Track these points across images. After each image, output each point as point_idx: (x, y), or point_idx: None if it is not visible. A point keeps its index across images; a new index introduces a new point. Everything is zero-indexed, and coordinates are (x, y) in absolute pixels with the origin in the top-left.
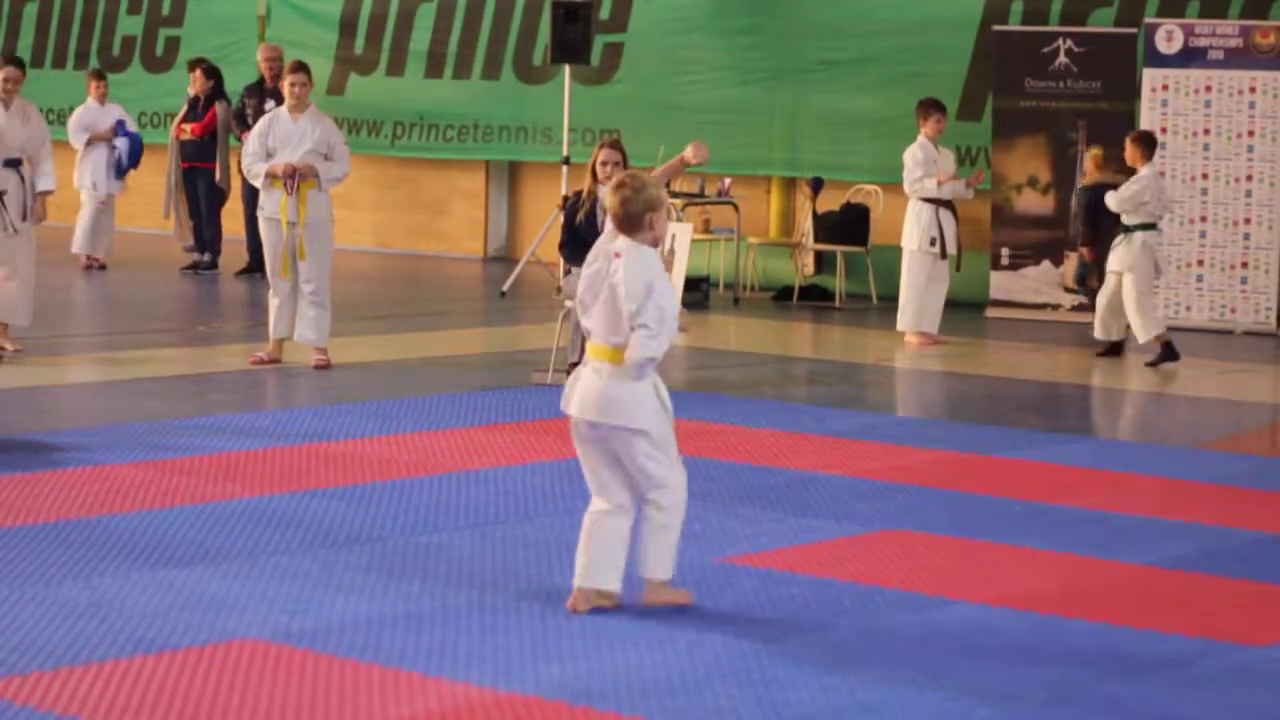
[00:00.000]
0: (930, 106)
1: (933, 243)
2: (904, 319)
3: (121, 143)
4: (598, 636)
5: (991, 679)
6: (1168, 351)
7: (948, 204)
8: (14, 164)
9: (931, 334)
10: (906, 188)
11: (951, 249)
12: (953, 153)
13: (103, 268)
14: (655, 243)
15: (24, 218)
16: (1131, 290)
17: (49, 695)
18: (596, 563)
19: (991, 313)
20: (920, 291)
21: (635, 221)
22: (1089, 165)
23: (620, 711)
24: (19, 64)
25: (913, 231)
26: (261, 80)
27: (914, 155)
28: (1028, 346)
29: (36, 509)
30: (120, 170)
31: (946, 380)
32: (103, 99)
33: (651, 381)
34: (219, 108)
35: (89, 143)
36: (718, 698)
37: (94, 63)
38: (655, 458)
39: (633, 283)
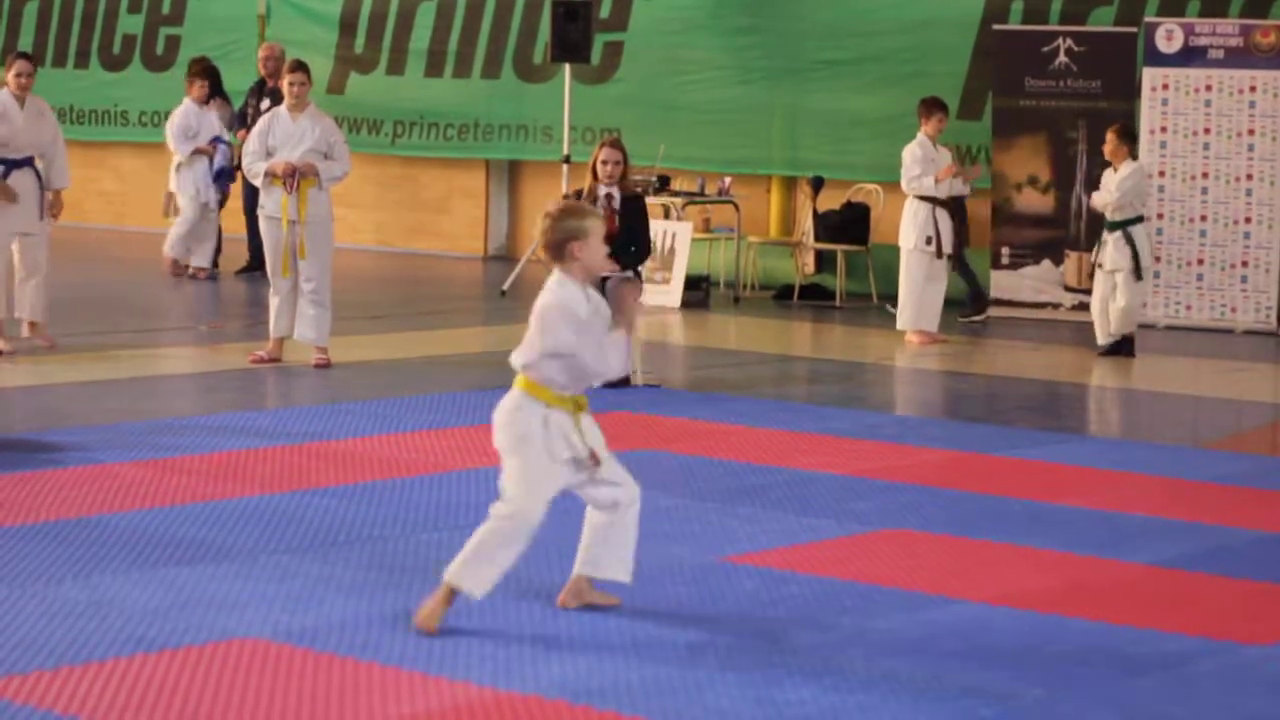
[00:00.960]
0: (932, 105)
1: (929, 241)
2: (903, 318)
3: (223, 150)
4: (597, 636)
5: (992, 678)
6: (1127, 345)
7: (945, 203)
8: (29, 162)
9: (931, 332)
10: (904, 185)
11: (948, 248)
12: (951, 152)
13: (212, 278)
14: (586, 273)
15: (41, 216)
16: (1126, 287)
17: (49, 694)
18: (580, 551)
19: (992, 312)
20: (920, 290)
21: (557, 251)
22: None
23: (620, 711)
24: (27, 57)
25: (909, 230)
26: (262, 80)
27: (913, 153)
28: (1028, 345)
29: (36, 508)
30: (223, 176)
31: (947, 379)
32: (203, 100)
33: (541, 415)
34: (212, 106)
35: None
36: (718, 698)
37: (94, 62)
38: (508, 476)
39: (534, 313)
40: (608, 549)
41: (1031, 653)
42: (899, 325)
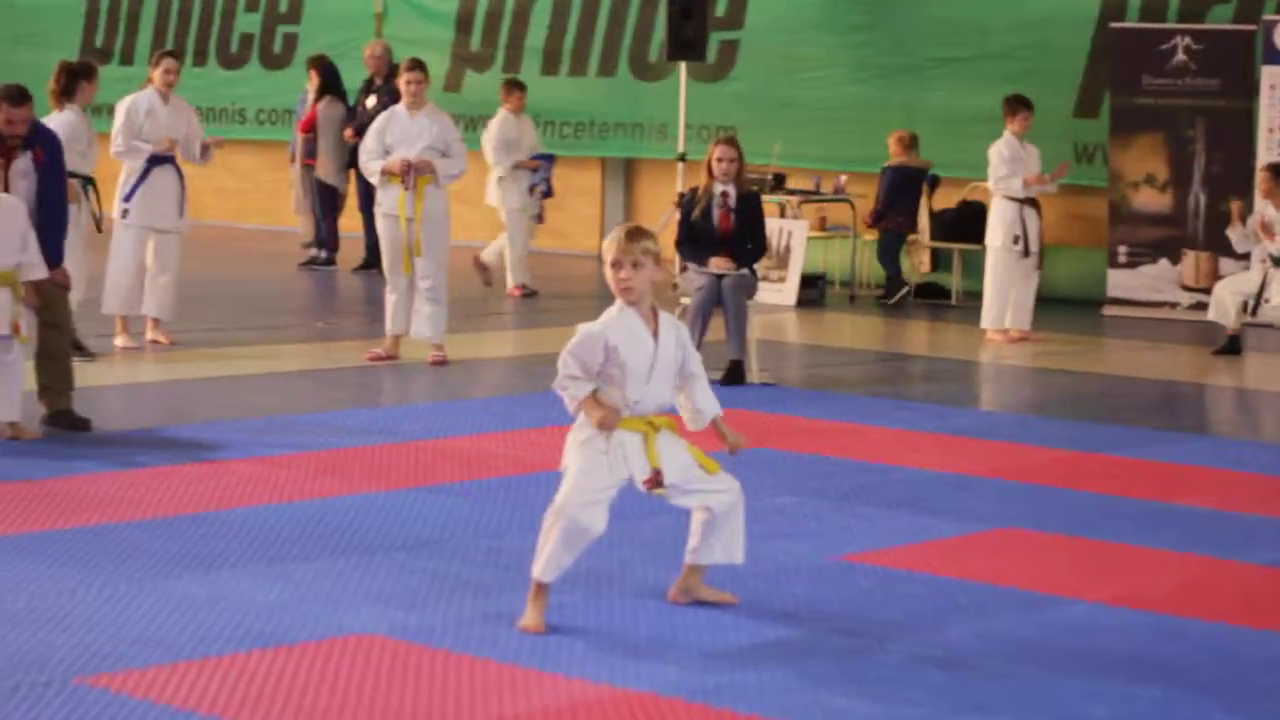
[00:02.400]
0: (1017, 103)
1: (1015, 241)
2: (988, 316)
3: (545, 165)
4: (714, 634)
5: (1108, 679)
6: (1234, 343)
7: (1032, 201)
8: (170, 159)
9: (1024, 330)
10: (991, 185)
11: (1034, 247)
12: (1038, 150)
13: (528, 294)
14: (625, 296)
15: (180, 214)
16: None
17: (167, 689)
18: (689, 543)
19: (1108, 311)
20: (1005, 289)
21: None
22: (893, 146)
23: (736, 709)
24: (175, 55)
25: (996, 229)
26: (370, 78)
27: (1000, 153)
28: (1145, 345)
29: (155, 504)
30: (546, 193)
31: (1063, 379)
32: (518, 110)
33: (604, 435)
34: (322, 105)
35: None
36: (833, 696)
37: (212, 60)
38: (565, 474)
39: None
40: (716, 537)
41: (1148, 654)
42: (983, 324)
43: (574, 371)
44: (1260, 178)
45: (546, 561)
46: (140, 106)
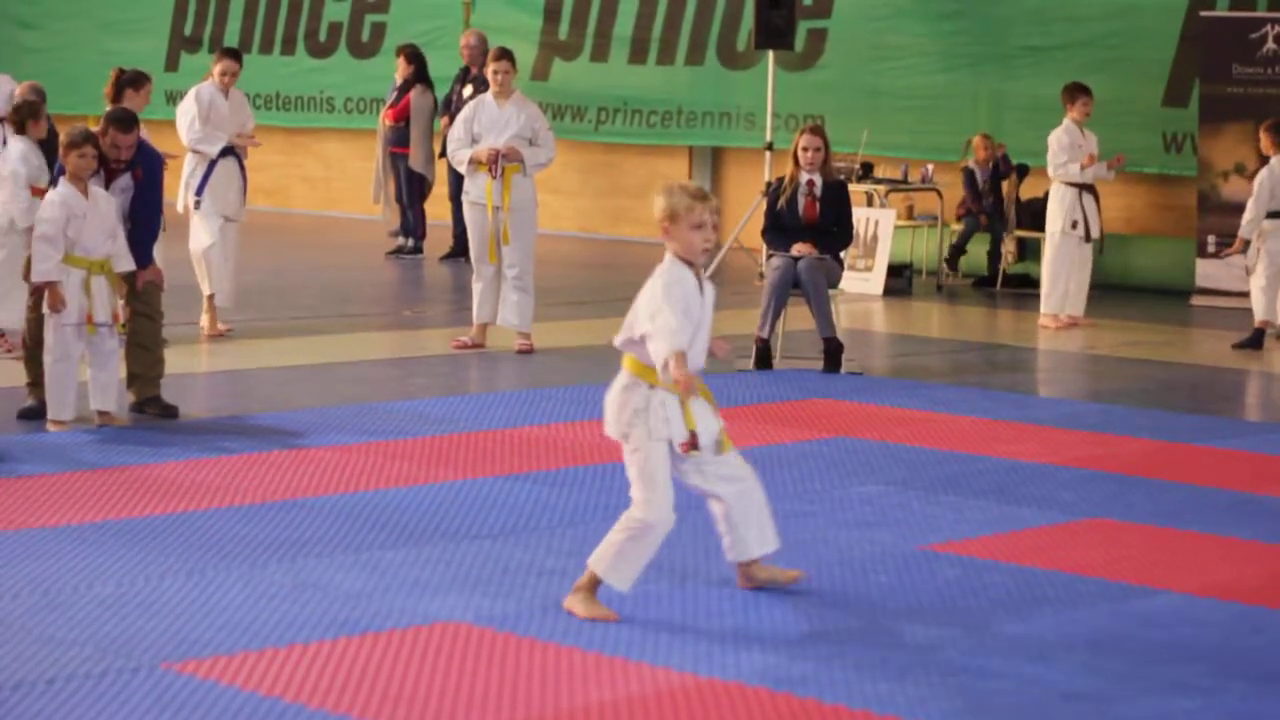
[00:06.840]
0: (1075, 90)
1: (1074, 225)
2: (1049, 302)
3: None
4: (798, 622)
5: (1195, 670)
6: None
7: (1090, 187)
8: (231, 150)
9: (1076, 316)
10: (1050, 171)
11: (1094, 231)
12: (1096, 137)
13: None
14: (681, 254)
15: (242, 204)
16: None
17: (253, 676)
18: (723, 541)
19: (1197, 300)
20: (1064, 275)
21: (660, 225)
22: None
23: (820, 699)
24: (235, 56)
25: (1056, 214)
26: (465, 67)
27: (1059, 140)
28: (1233, 335)
29: (242, 491)
30: None
31: (1151, 368)
32: None
33: (646, 395)
34: (414, 93)
35: None
36: (918, 686)
37: (301, 48)
38: (632, 478)
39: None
40: (745, 530)
41: (1236, 645)
42: (1044, 309)
43: (674, 325)
44: (1261, 134)
45: (626, 572)
46: (205, 98)
